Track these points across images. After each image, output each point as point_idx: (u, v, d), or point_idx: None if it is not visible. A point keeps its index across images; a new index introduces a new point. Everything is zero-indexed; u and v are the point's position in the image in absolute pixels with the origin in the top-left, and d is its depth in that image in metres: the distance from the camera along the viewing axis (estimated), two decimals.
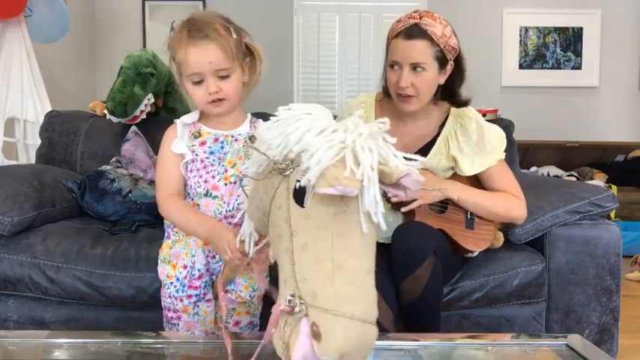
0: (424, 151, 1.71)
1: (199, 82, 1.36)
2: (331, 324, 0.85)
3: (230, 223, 1.39)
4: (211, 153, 1.41)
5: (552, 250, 1.85)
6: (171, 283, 1.41)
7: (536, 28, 4.59)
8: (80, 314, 1.82)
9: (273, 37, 4.13)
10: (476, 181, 1.74)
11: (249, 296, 1.43)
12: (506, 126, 2.12)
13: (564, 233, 1.85)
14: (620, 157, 4.41)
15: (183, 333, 1.40)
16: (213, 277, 1.43)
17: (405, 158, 0.90)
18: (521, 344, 1.33)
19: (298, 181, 0.87)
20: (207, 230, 1.34)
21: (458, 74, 1.68)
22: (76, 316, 1.82)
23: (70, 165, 2.38)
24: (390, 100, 1.72)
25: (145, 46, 4.42)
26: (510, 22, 4.58)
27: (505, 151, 1.73)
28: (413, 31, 1.59)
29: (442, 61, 1.62)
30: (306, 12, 4.44)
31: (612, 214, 3.61)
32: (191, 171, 1.41)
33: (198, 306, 1.41)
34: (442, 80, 1.66)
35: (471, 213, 1.71)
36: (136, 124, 2.37)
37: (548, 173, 4.20)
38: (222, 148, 1.42)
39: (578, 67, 4.60)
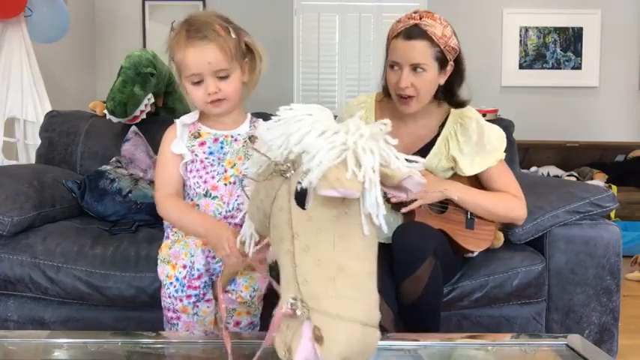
0: (424, 151, 1.71)
1: (198, 83, 1.36)
2: (334, 328, 0.85)
3: (230, 224, 1.39)
4: (211, 153, 1.41)
5: (552, 250, 1.85)
6: (171, 283, 1.40)
7: (536, 28, 4.59)
8: (80, 314, 1.82)
9: (273, 37, 4.13)
10: (476, 182, 1.74)
11: (250, 296, 1.43)
12: (506, 126, 2.12)
13: (564, 233, 1.85)
14: (620, 157, 4.41)
15: (183, 333, 1.40)
16: (213, 277, 1.42)
17: (406, 160, 0.90)
18: (521, 344, 1.33)
19: (299, 182, 0.87)
20: (205, 228, 1.34)
21: (457, 74, 1.68)
22: (76, 316, 1.82)
23: (70, 165, 2.38)
24: (390, 100, 1.72)
25: (145, 46, 4.42)
26: (510, 22, 4.58)
27: (505, 151, 1.73)
28: (413, 31, 1.59)
29: (442, 61, 1.62)
30: (306, 12, 4.44)
31: (612, 214, 3.61)
32: (190, 171, 1.41)
33: (197, 306, 1.41)
34: (442, 81, 1.66)
35: (471, 213, 1.71)
36: (136, 124, 2.37)
37: (548, 173, 4.20)
38: (221, 148, 1.42)
39: (578, 67, 4.60)
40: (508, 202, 1.71)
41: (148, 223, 2.03)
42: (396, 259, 1.55)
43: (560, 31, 4.59)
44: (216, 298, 1.40)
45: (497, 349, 1.31)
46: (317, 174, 0.82)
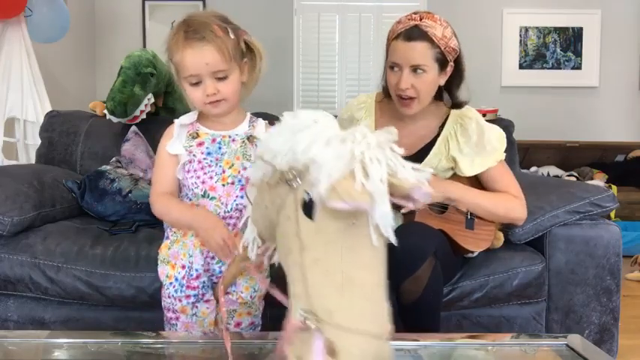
0: (424, 151, 1.71)
1: (197, 84, 1.35)
2: (347, 341, 0.84)
3: (229, 224, 1.39)
4: (209, 154, 1.41)
5: (552, 250, 1.85)
6: (171, 283, 1.41)
7: (536, 28, 4.59)
8: (80, 314, 1.82)
9: (273, 37, 4.13)
10: (476, 182, 1.74)
11: (250, 297, 1.43)
12: (506, 126, 2.12)
13: (564, 233, 1.85)
14: (620, 157, 4.41)
15: (183, 333, 1.40)
16: (213, 278, 1.42)
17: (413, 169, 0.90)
18: (521, 344, 1.33)
19: (307, 193, 0.86)
20: (195, 220, 1.36)
21: (457, 75, 1.68)
22: (76, 316, 1.82)
23: (70, 165, 2.38)
24: (390, 100, 1.72)
25: (145, 46, 4.42)
26: (510, 22, 4.58)
27: (505, 151, 1.73)
28: (413, 32, 1.59)
29: (442, 62, 1.62)
30: (306, 12, 4.44)
31: (612, 214, 3.61)
32: (188, 171, 1.41)
33: (196, 307, 1.41)
34: (442, 81, 1.66)
35: (471, 213, 1.71)
36: (136, 124, 2.37)
37: (548, 173, 4.20)
38: (219, 148, 1.41)
39: (578, 67, 4.60)
40: (508, 203, 1.71)
41: (147, 223, 2.03)
42: (396, 259, 1.55)
43: (560, 31, 4.59)
44: (217, 300, 1.40)
45: (497, 349, 1.31)
46: (326, 186, 0.81)
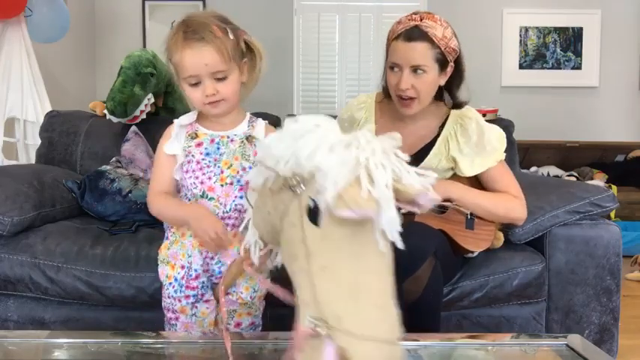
0: (424, 151, 1.71)
1: (196, 84, 1.35)
2: (359, 348, 0.84)
3: (227, 225, 1.39)
4: (207, 154, 1.41)
5: (552, 250, 1.85)
6: (170, 283, 1.41)
7: (536, 28, 4.59)
8: (80, 314, 1.82)
9: (273, 37, 4.13)
10: (476, 182, 1.74)
11: (250, 297, 1.43)
12: (506, 126, 2.12)
13: (564, 233, 1.85)
14: (620, 157, 4.41)
15: (183, 333, 1.40)
16: (213, 278, 1.42)
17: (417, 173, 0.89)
18: (521, 344, 1.33)
19: (312, 199, 0.86)
20: (188, 214, 1.36)
21: (457, 75, 1.68)
22: (76, 316, 1.82)
23: (70, 165, 2.38)
24: (390, 101, 1.72)
25: (145, 46, 4.42)
26: (510, 22, 4.58)
27: (505, 151, 1.73)
28: (413, 33, 1.59)
29: (442, 62, 1.62)
30: (306, 12, 4.44)
31: (612, 214, 3.61)
32: (187, 172, 1.41)
33: (196, 307, 1.41)
34: (442, 82, 1.66)
35: (471, 213, 1.71)
36: (136, 124, 2.37)
37: (548, 173, 4.20)
38: (218, 149, 1.41)
39: (578, 67, 4.60)
40: (508, 203, 1.71)
41: (147, 223, 2.03)
42: (396, 259, 1.55)
43: (560, 31, 4.59)
44: (217, 300, 1.40)
45: (497, 349, 1.31)
46: (333, 194, 0.80)
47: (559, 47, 4.59)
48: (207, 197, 1.39)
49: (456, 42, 1.64)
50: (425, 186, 0.87)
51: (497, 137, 1.71)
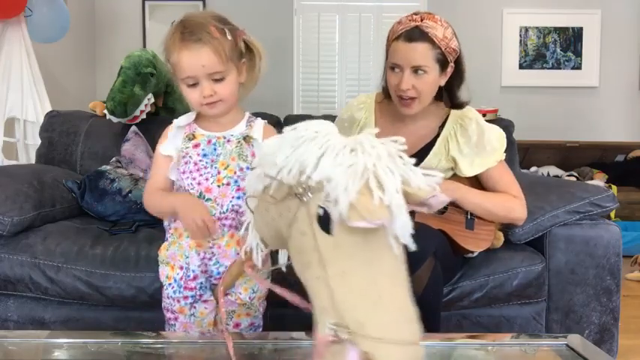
0: (424, 151, 1.71)
1: (194, 85, 1.35)
2: (384, 351, 0.84)
3: (224, 225, 1.39)
4: (204, 155, 1.40)
5: (552, 250, 1.85)
6: (170, 284, 1.41)
7: (536, 28, 4.59)
8: (80, 314, 1.82)
9: (273, 37, 4.13)
10: (476, 182, 1.74)
11: (249, 298, 1.43)
12: (506, 126, 2.12)
13: (564, 233, 1.85)
14: (620, 157, 4.41)
15: (183, 333, 1.40)
16: (211, 279, 1.42)
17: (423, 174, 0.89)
18: (521, 344, 1.33)
19: (321, 207, 0.86)
20: (177, 203, 1.36)
21: (457, 75, 1.68)
22: (76, 316, 1.82)
23: (70, 165, 2.38)
24: (390, 101, 1.72)
25: (145, 46, 4.42)
26: (510, 22, 4.58)
27: (505, 151, 1.73)
28: (414, 33, 1.58)
29: (443, 63, 1.61)
30: (306, 12, 4.44)
31: (612, 214, 3.61)
32: (184, 172, 1.40)
33: (195, 307, 1.41)
34: (443, 82, 1.66)
35: (471, 213, 1.71)
36: (136, 124, 2.37)
37: (548, 173, 4.20)
38: (214, 150, 1.41)
39: (578, 67, 4.60)
40: (508, 203, 1.70)
41: (147, 223, 2.03)
42: None
43: (560, 31, 4.59)
44: (217, 301, 1.40)
45: (497, 349, 1.31)
46: (345, 204, 0.80)
47: (559, 47, 4.59)
48: (204, 198, 1.39)
49: (457, 42, 1.64)
50: (432, 186, 0.87)
51: (497, 137, 1.71)
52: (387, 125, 1.73)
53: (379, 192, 0.81)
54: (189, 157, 1.40)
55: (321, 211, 0.86)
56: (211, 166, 1.40)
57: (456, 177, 1.73)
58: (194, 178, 1.39)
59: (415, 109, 1.65)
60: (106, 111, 2.37)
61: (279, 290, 1.04)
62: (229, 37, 1.34)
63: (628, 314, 2.40)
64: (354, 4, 4.42)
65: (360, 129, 1.77)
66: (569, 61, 4.60)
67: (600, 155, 4.41)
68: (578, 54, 4.59)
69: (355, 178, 0.82)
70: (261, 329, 1.49)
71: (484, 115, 1.83)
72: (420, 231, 1.55)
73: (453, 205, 1.69)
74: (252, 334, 1.43)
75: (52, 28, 3.22)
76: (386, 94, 1.74)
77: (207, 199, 1.39)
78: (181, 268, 1.40)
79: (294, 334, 1.27)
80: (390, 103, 1.72)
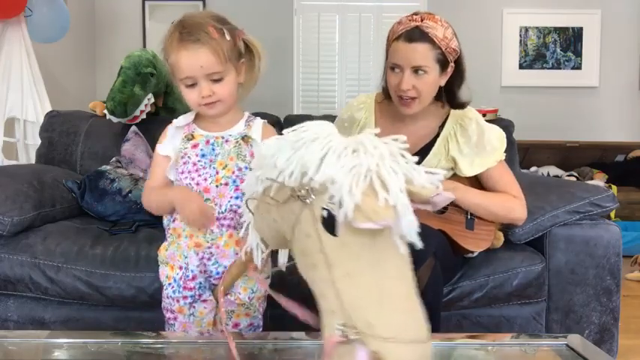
0: (424, 151, 1.71)
1: (192, 85, 1.35)
2: (394, 351, 0.84)
3: (223, 225, 1.39)
4: (203, 155, 1.40)
5: (552, 250, 1.85)
6: (169, 284, 1.41)
7: (536, 28, 4.59)
8: (80, 314, 1.82)
9: (273, 37, 4.13)
10: (476, 182, 1.74)
11: (248, 298, 1.43)
12: (506, 126, 2.12)
13: (564, 233, 1.85)
14: (620, 157, 4.41)
15: (183, 333, 1.40)
16: (211, 279, 1.42)
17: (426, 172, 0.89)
18: (521, 344, 1.33)
19: (325, 209, 0.85)
20: (174, 195, 1.37)
21: (457, 75, 1.68)
22: (76, 316, 1.82)
23: (70, 165, 2.38)
24: (390, 101, 1.72)
25: (145, 46, 4.42)
26: (510, 22, 4.58)
27: (505, 151, 1.73)
28: (414, 34, 1.58)
29: (443, 63, 1.61)
30: (306, 12, 4.44)
31: (612, 214, 3.61)
32: (182, 172, 1.40)
33: (194, 307, 1.41)
34: (443, 82, 1.66)
35: (471, 213, 1.71)
36: (136, 124, 2.37)
37: (548, 173, 4.20)
38: (213, 150, 1.41)
39: (578, 67, 4.60)
40: (508, 203, 1.70)
41: (147, 223, 2.03)
42: None
43: (560, 31, 4.59)
44: (217, 301, 1.40)
45: (497, 349, 1.31)
46: (351, 206, 0.80)
47: (559, 47, 4.59)
48: (202, 198, 1.39)
49: (457, 42, 1.64)
50: (435, 184, 0.87)
51: (497, 137, 1.71)
52: (387, 125, 1.73)
53: (384, 192, 0.81)
54: (188, 157, 1.40)
55: (325, 213, 0.86)
56: (210, 166, 1.40)
57: (455, 177, 1.73)
58: (193, 179, 1.39)
59: (415, 109, 1.65)
60: (106, 111, 2.37)
61: (284, 302, 1.03)
62: (228, 37, 1.34)
63: (628, 314, 2.40)
64: (354, 4, 4.42)
65: (360, 129, 1.77)
66: (569, 61, 4.60)
67: (600, 155, 4.42)
68: (578, 54, 4.59)
69: (359, 179, 0.81)
70: (260, 329, 1.49)
71: (484, 115, 1.83)
72: (420, 231, 1.57)
73: (453, 205, 1.69)
74: (251, 334, 1.43)
75: (52, 28, 3.22)
76: (386, 94, 1.73)
77: (206, 199, 1.39)
78: (180, 268, 1.40)
79: (294, 334, 1.27)
80: (390, 103, 1.72)
